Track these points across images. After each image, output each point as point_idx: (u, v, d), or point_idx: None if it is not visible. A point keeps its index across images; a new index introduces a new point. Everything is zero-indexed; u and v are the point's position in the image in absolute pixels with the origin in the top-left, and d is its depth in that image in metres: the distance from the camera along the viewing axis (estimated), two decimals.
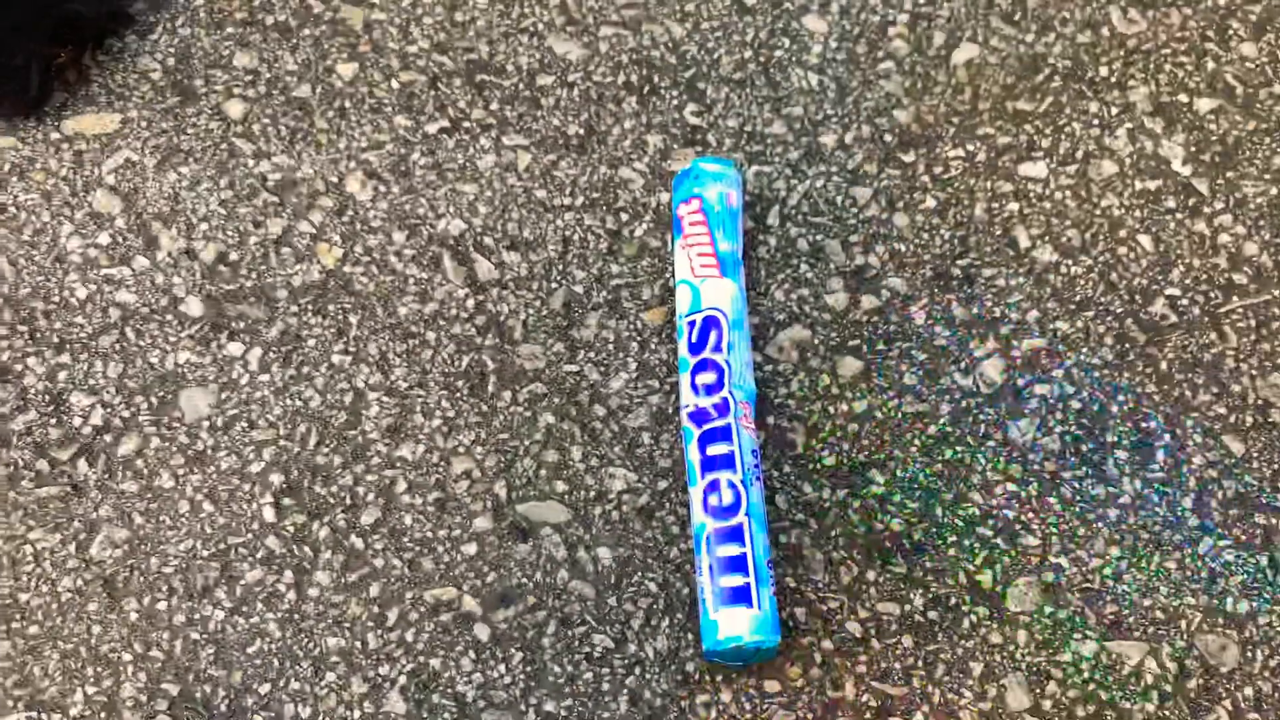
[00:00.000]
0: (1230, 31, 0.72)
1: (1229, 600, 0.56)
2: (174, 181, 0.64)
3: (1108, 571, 0.56)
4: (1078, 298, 0.63)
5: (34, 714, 0.52)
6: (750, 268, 0.64)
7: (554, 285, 0.63)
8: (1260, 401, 0.61)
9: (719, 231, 0.60)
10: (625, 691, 0.53)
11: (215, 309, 0.61)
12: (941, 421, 0.60)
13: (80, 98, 0.66)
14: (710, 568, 0.52)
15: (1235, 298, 0.63)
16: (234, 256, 0.62)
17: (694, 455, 0.55)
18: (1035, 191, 0.66)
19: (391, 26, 0.69)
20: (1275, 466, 0.59)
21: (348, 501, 0.57)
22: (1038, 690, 0.54)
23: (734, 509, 0.53)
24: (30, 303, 0.61)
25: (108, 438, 0.58)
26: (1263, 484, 0.59)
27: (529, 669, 0.54)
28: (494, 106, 0.67)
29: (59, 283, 0.61)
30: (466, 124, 0.66)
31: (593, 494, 0.58)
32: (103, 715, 0.52)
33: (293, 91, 0.67)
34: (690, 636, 0.54)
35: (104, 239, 0.62)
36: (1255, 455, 0.59)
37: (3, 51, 0.61)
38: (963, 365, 0.61)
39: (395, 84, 0.67)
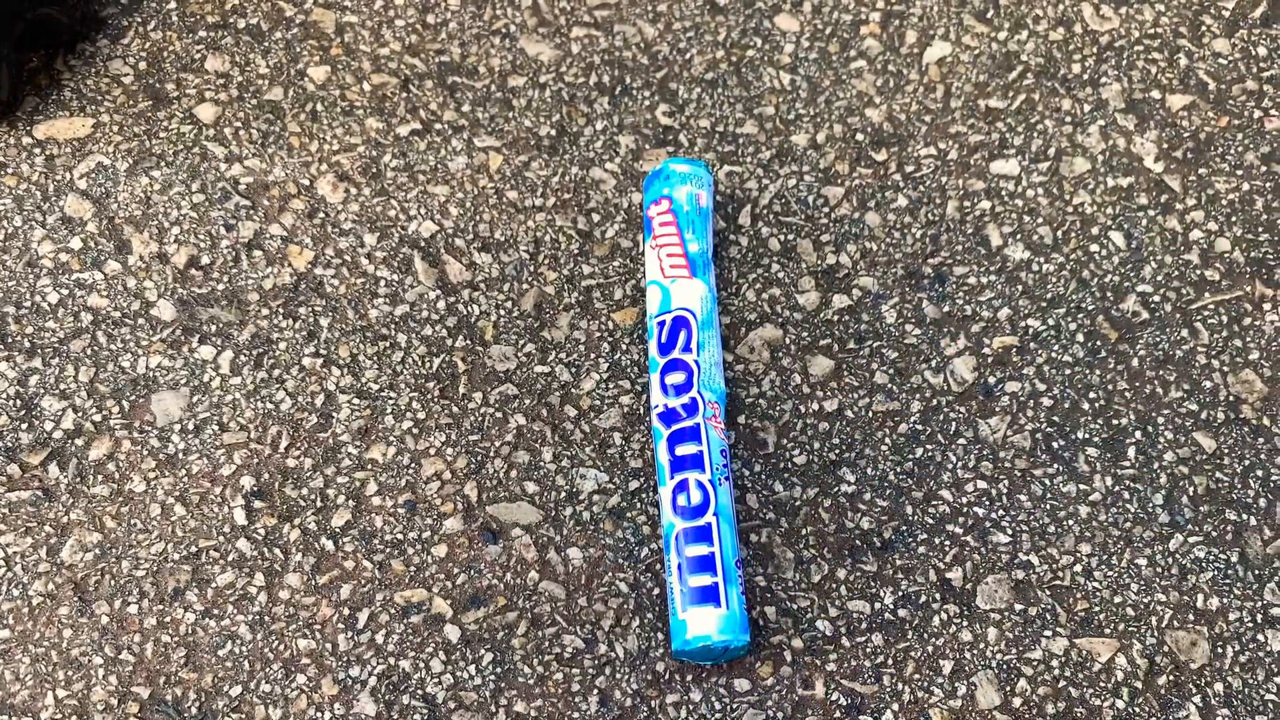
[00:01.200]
0: (1203, 28, 0.72)
1: (1199, 596, 0.56)
2: (146, 185, 0.64)
3: (1078, 568, 0.56)
4: (1049, 295, 0.63)
5: (5, 718, 0.52)
6: (722, 267, 0.64)
7: (525, 286, 0.63)
8: (1231, 398, 0.61)
9: (689, 232, 0.60)
10: (595, 691, 0.53)
11: (187, 313, 0.61)
12: (912, 420, 0.60)
13: (52, 102, 0.66)
14: (679, 567, 0.52)
15: (1207, 294, 0.63)
16: (205, 260, 0.62)
17: (663, 455, 0.55)
18: (1007, 189, 0.66)
19: (363, 29, 0.69)
20: (1246, 463, 0.59)
21: (318, 504, 0.57)
22: (1008, 688, 0.54)
23: (702, 509, 0.53)
24: (1, 308, 0.61)
25: (79, 442, 0.58)
26: (1234, 480, 0.59)
27: (499, 670, 0.54)
28: (466, 108, 0.67)
29: (30, 287, 0.61)
30: (438, 126, 0.66)
31: (563, 495, 0.58)
32: (74, 719, 0.52)
33: (264, 95, 0.67)
34: (660, 636, 0.55)
35: (76, 243, 0.63)
36: (1226, 451, 0.59)
37: None
38: (934, 363, 0.61)
39: (367, 86, 0.67)
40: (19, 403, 0.59)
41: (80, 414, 0.59)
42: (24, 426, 0.58)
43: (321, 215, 0.64)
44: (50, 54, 0.67)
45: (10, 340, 0.60)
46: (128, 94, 0.67)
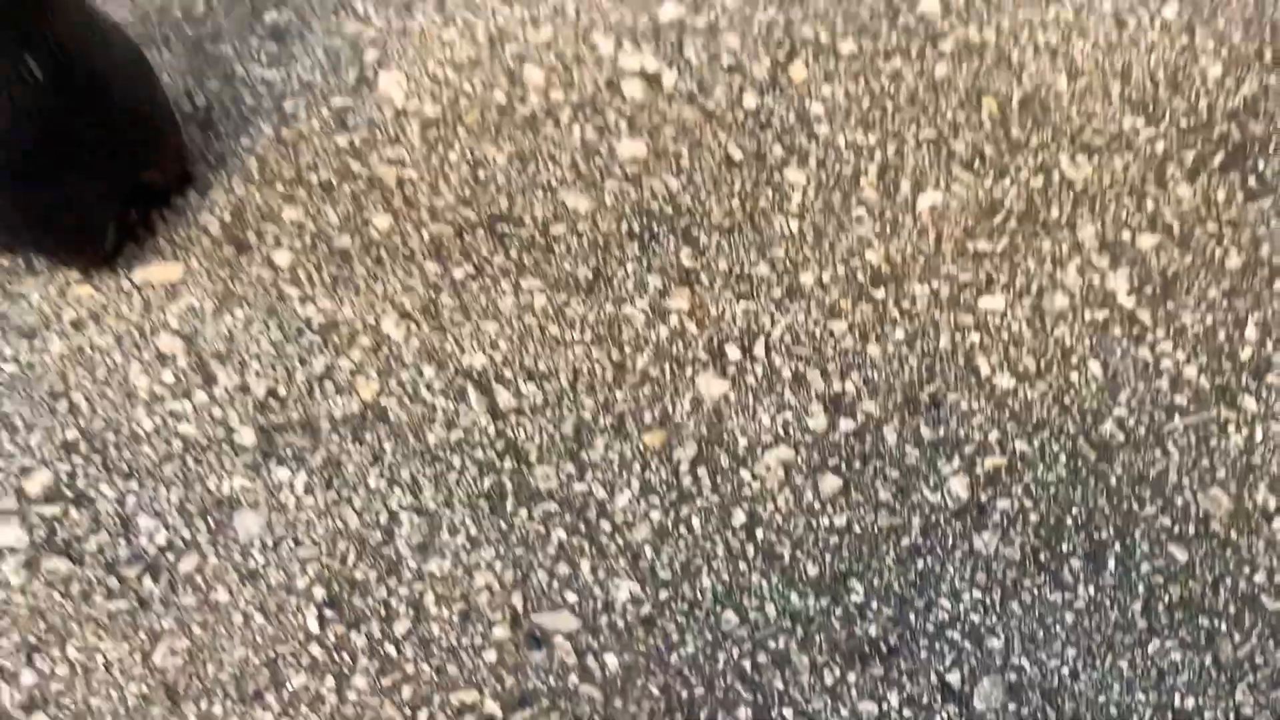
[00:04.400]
0: (1168, 175, 0.80)
1: (1177, 696, 0.62)
2: (230, 324, 0.73)
3: (1065, 671, 0.62)
4: (1034, 419, 0.70)
5: None
6: (739, 393, 0.71)
7: (565, 412, 0.70)
8: (1202, 513, 0.67)
9: None
10: None
11: (265, 439, 0.69)
12: (914, 534, 0.67)
13: (148, 250, 0.75)
14: None
15: (1177, 417, 0.71)
16: (282, 391, 0.70)
17: None
18: (994, 323, 0.74)
19: (422, 184, 0.78)
20: (1217, 573, 0.65)
21: (382, 613, 0.64)
22: None
23: None
24: (103, 435, 0.69)
25: (170, 556, 0.65)
26: (1205, 589, 0.65)
27: None
28: (513, 253, 0.76)
29: (128, 416, 0.69)
30: (489, 269, 0.75)
31: (600, 604, 0.64)
32: None
33: (335, 242, 0.76)
34: None
35: (168, 376, 0.71)
36: (1198, 562, 0.66)
37: (87, 214, 0.70)
38: (931, 482, 0.68)
39: (426, 234, 0.76)
40: (119, 520, 0.66)
41: (171, 531, 0.66)
42: (123, 542, 0.65)
43: (386, 350, 0.72)
44: (147, 208, 0.76)
45: (111, 464, 0.68)
46: (214, 242, 0.76)
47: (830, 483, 0.68)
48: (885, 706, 0.61)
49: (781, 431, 0.70)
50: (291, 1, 0.86)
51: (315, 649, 0.63)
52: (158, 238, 0.76)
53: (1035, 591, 0.65)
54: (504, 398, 0.71)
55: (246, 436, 0.69)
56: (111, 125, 0.68)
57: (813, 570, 0.65)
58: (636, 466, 0.69)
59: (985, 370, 0.72)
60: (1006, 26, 0.86)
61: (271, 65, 0.83)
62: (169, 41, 0.84)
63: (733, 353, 0.73)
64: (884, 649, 0.63)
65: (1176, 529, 0.67)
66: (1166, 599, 0.64)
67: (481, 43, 0.84)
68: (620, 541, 0.66)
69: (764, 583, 0.65)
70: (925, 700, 0.61)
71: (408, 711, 0.61)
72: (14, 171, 0.64)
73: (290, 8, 0.86)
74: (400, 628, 0.63)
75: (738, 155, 0.80)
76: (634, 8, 0.86)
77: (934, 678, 0.62)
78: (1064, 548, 0.66)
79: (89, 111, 0.65)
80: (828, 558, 0.66)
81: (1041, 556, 0.66)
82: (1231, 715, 0.61)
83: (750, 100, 0.82)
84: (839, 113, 0.82)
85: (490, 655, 0.63)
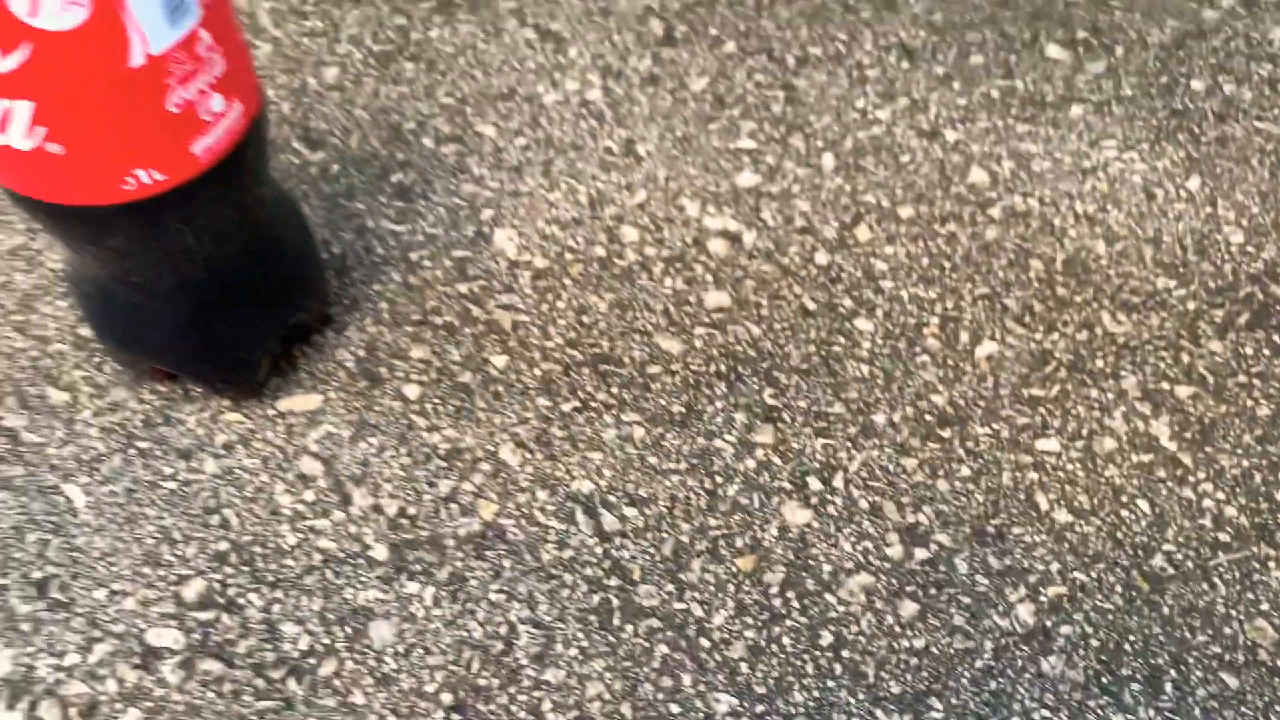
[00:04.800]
0: (1200, 331, 0.89)
1: None
2: (364, 449, 0.81)
3: None
4: (1091, 552, 0.77)
5: None
6: (822, 523, 0.79)
7: (664, 535, 0.78)
8: (1249, 643, 0.74)
9: None
10: None
11: (397, 555, 0.76)
12: (986, 657, 0.73)
13: (290, 382, 0.84)
14: None
15: (1221, 553, 0.78)
16: (412, 511, 0.78)
17: None
18: (1050, 463, 0.82)
19: (533, 327, 0.88)
20: (1266, 699, 0.71)
21: (504, 718, 0.70)
22: None
23: None
24: (251, 548, 0.76)
25: (312, 660, 0.72)
26: (1257, 714, 0.71)
27: None
28: (614, 390, 0.84)
29: (274, 532, 0.77)
30: (593, 404, 0.84)
31: (702, 715, 0.70)
32: None
33: (457, 378, 0.85)
34: None
35: (309, 496, 0.79)
36: (1249, 689, 0.72)
37: (247, 351, 0.79)
38: (1000, 609, 0.75)
39: (537, 372, 0.85)
40: (265, 626, 0.73)
41: (313, 637, 0.73)
42: (269, 647, 0.72)
43: (504, 476, 0.80)
44: (291, 345, 0.86)
45: (259, 575, 0.75)
46: (349, 375, 0.85)
47: (909, 608, 0.75)
48: None
49: (862, 559, 0.77)
50: (415, 164, 0.98)
51: None
52: (299, 371, 0.85)
53: (1099, 712, 0.71)
54: (609, 520, 0.78)
55: (380, 552, 0.77)
56: (278, 275, 0.78)
57: (895, 688, 0.72)
58: (731, 588, 0.76)
59: (1045, 506, 0.79)
60: (1049, 196, 0.97)
61: (399, 220, 0.94)
62: (308, 197, 0.95)
63: (814, 484, 0.80)
64: None
65: (1227, 657, 0.73)
66: None
67: (583, 204, 0.95)
68: (719, 657, 0.73)
69: (851, 700, 0.71)
70: None
71: None
72: (195, 317, 0.74)
73: (414, 170, 0.97)
74: None
75: (812, 305, 0.89)
76: (716, 175, 0.97)
77: None
78: (1124, 672, 0.72)
79: (264, 265, 0.75)
80: (909, 677, 0.72)
81: (1103, 680, 0.72)
82: None
83: (821, 258, 0.93)
84: (901, 270, 0.92)
85: None
